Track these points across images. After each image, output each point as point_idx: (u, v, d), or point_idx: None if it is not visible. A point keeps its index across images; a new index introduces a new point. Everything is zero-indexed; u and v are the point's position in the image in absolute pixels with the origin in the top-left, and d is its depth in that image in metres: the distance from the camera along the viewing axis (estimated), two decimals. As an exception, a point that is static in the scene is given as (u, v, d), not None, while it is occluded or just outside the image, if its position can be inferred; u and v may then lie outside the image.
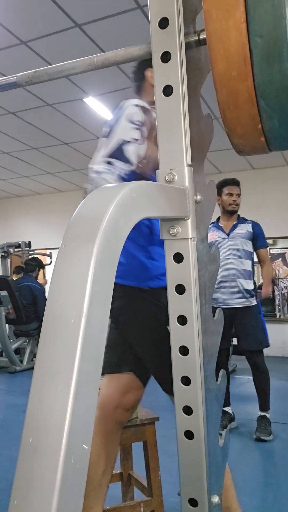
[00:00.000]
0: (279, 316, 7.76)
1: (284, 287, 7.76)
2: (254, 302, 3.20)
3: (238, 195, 3.31)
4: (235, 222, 3.28)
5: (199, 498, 0.77)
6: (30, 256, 6.93)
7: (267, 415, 3.20)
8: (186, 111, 0.76)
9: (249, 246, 3.22)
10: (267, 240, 3.42)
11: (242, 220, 3.32)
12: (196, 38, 0.79)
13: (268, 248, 3.34)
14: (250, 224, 3.29)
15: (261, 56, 0.63)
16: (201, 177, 0.82)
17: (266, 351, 7.20)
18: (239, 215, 3.35)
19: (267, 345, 3.25)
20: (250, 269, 3.23)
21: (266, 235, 3.27)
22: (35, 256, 6.83)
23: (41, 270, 6.52)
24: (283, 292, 7.75)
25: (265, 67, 0.63)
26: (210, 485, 0.77)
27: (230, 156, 6.28)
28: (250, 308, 3.16)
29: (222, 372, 0.86)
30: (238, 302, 3.16)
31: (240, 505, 1.50)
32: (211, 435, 0.79)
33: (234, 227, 3.26)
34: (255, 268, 3.45)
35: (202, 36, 0.78)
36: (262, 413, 3.21)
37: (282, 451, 2.95)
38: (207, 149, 0.87)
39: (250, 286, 3.19)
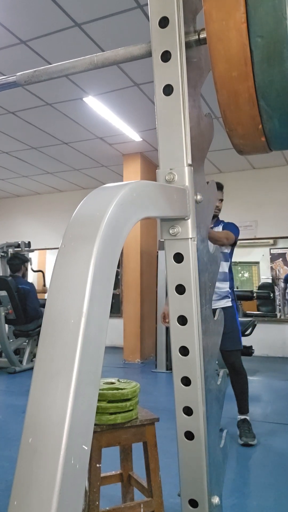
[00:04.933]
0: (279, 316, 7.75)
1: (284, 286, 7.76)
2: (228, 303, 3.17)
3: (221, 200, 3.29)
4: (211, 226, 3.26)
5: (199, 498, 0.77)
6: (11, 255, 6.57)
7: (247, 417, 3.17)
8: (186, 111, 0.76)
9: (222, 248, 3.17)
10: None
11: (218, 223, 3.30)
12: (196, 37, 0.78)
13: (233, 236, 3.10)
14: (222, 225, 3.26)
15: (261, 56, 0.63)
16: (201, 177, 0.82)
17: (266, 351, 7.20)
18: (218, 218, 3.32)
19: (240, 348, 3.22)
20: (225, 270, 3.21)
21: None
22: (17, 253, 6.51)
23: (27, 265, 6.28)
24: (283, 292, 7.75)
25: (266, 68, 0.63)
26: (210, 485, 0.77)
27: (231, 156, 6.28)
28: (224, 309, 3.12)
29: (222, 372, 0.86)
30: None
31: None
32: (211, 435, 0.79)
33: None
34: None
35: (202, 35, 0.78)
36: (243, 416, 3.15)
37: (282, 451, 2.95)
38: (207, 148, 0.87)
39: (221, 287, 3.17)
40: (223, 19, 0.63)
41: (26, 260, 6.33)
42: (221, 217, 3.38)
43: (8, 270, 6.63)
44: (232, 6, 0.62)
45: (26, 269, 6.37)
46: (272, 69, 0.63)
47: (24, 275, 6.28)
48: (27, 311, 5.89)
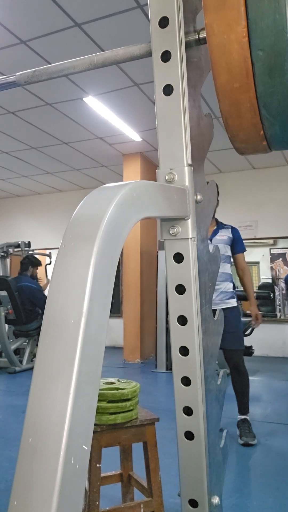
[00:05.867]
0: (279, 316, 7.75)
1: (284, 287, 7.75)
2: (234, 303, 3.27)
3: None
4: (215, 228, 3.33)
5: (199, 498, 0.77)
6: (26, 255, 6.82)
7: (248, 417, 3.19)
8: (186, 111, 0.76)
9: (228, 251, 3.33)
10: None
11: (222, 225, 3.37)
12: (196, 37, 0.78)
13: (244, 254, 3.45)
14: (230, 229, 3.36)
15: (262, 69, 0.64)
16: (201, 177, 0.82)
17: (266, 351, 7.19)
18: (216, 219, 3.37)
19: (243, 348, 3.33)
20: (229, 271, 3.35)
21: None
22: (29, 254, 6.69)
23: (36, 268, 6.40)
24: (283, 292, 7.74)
25: (267, 80, 0.64)
26: (210, 485, 0.77)
27: (231, 156, 6.28)
28: (229, 309, 3.22)
29: (222, 372, 0.86)
30: (218, 305, 3.19)
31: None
32: (211, 435, 0.79)
33: (216, 232, 3.31)
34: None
35: (202, 35, 0.78)
36: (243, 417, 3.18)
37: (282, 451, 2.95)
38: (207, 148, 0.87)
39: (228, 288, 3.28)
40: (224, 33, 0.64)
41: (37, 263, 6.38)
42: (221, 217, 3.39)
43: (8, 270, 6.67)
44: (233, 20, 0.62)
45: (36, 272, 6.44)
46: (273, 81, 0.64)
47: (33, 276, 6.31)
48: (40, 306, 5.93)
